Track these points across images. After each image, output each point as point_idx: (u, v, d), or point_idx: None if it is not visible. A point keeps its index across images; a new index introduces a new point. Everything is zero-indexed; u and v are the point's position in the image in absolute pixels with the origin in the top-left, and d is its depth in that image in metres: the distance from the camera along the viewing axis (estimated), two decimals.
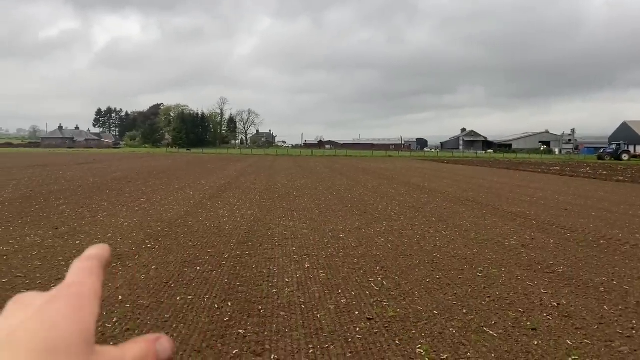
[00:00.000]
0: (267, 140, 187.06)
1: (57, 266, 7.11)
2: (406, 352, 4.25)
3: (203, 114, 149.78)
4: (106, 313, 5.09)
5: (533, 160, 74.55)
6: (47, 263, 7.29)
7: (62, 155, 67.40)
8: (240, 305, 5.39)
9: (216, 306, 5.36)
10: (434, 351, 4.30)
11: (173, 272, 6.79)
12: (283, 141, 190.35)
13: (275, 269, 7.07)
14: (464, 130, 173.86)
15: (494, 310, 5.45)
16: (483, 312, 5.36)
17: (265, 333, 4.63)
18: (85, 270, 0.46)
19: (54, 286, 0.45)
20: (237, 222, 11.32)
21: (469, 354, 4.25)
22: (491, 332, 4.75)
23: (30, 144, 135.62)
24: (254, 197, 17.06)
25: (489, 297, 5.94)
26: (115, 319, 4.93)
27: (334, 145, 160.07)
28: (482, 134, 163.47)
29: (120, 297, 5.59)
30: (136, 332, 4.61)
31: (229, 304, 5.45)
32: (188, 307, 5.33)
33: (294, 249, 8.49)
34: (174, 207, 14.17)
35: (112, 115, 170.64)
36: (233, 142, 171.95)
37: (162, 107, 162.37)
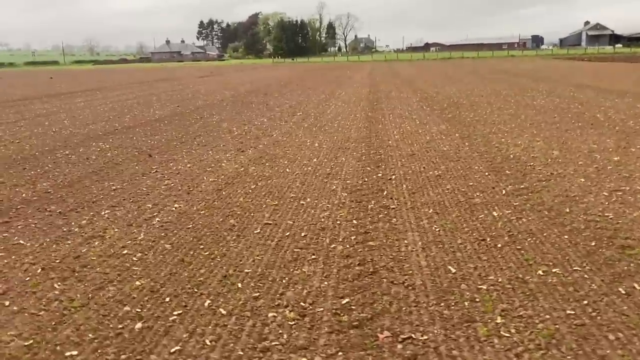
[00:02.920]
0: (366, 46, 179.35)
1: (299, 210, 5.49)
2: None
3: (302, 21, 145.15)
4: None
5: None
6: (285, 206, 5.71)
7: (176, 69, 68.59)
8: None
9: None
10: None
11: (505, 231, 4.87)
12: (387, 45, 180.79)
13: (619, 221, 4.90)
14: (587, 23, 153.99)
15: None
16: None
17: None
18: None
19: None
20: (450, 142, 9.20)
21: None
22: None
23: (142, 59, 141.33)
24: (418, 107, 14.76)
25: None
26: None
27: (440, 47, 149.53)
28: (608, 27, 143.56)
29: (463, 285, 3.75)
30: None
31: None
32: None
33: (582, 180, 6.23)
34: (346, 122, 12.31)
35: (214, 26, 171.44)
36: (332, 49, 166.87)
37: (260, 16, 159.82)
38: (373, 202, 5.56)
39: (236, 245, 4.47)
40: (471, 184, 6.17)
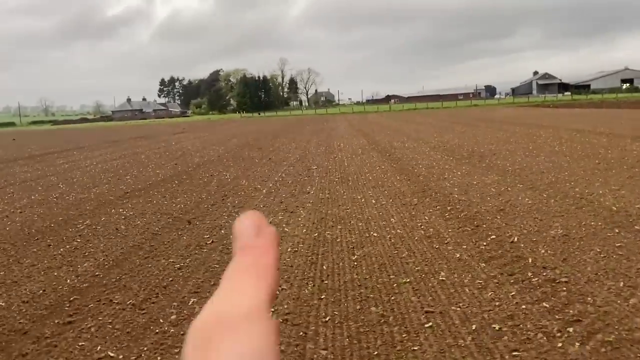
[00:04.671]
0: (326, 99, 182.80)
1: (447, 290, 4.43)
2: None
3: (264, 76, 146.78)
4: None
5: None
6: (424, 284, 4.65)
7: (144, 127, 66.87)
8: None
9: None
10: None
11: None
12: (349, 98, 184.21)
13: None
14: (535, 73, 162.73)
15: None
16: None
17: None
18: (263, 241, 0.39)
19: None
20: (525, 195, 8.41)
21: None
22: None
23: (102, 118, 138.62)
24: (439, 157, 14.10)
25: None
26: None
27: (399, 99, 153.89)
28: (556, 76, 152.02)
29: None
30: None
31: None
32: None
33: None
34: (378, 175, 11.45)
35: (175, 84, 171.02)
36: (293, 103, 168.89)
37: (221, 73, 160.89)
38: (530, 274, 4.56)
39: (413, 345, 3.35)
40: (618, 244, 5.28)
